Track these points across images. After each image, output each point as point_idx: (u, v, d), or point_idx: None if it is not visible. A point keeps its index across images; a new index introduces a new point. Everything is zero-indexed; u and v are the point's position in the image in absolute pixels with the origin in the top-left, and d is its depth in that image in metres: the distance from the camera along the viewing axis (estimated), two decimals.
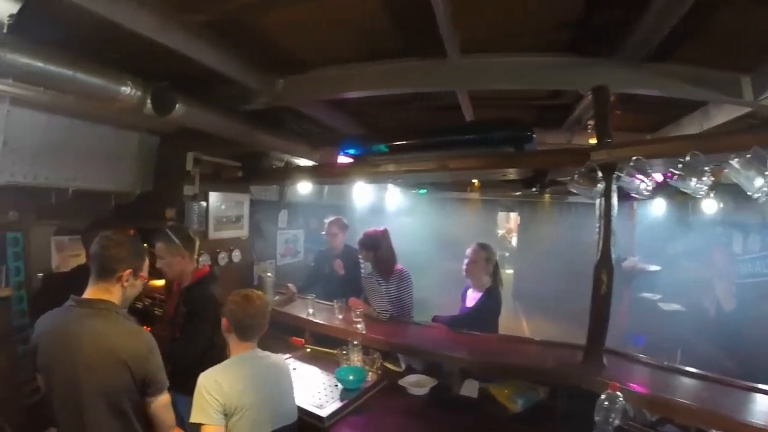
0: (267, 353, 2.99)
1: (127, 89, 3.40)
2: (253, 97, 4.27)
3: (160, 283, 4.48)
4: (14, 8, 2.49)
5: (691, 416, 2.73)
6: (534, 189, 4.59)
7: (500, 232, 11.49)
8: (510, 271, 11.50)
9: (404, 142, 4.51)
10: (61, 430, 2.43)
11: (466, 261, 4.62)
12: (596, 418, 2.71)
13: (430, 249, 9.22)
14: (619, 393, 2.71)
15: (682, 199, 7.48)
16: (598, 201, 3.25)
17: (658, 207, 7.76)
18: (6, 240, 4.16)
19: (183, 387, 3.46)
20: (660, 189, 3.48)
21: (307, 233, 7.36)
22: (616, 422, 2.68)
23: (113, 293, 2.55)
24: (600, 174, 3.13)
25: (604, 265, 3.25)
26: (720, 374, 3.16)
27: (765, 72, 3.44)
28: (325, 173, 5.17)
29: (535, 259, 10.89)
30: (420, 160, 4.27)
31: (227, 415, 2.62)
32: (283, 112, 4.97)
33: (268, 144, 5.17)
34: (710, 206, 6.56)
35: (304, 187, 5.88)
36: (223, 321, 2.90)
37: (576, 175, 3.18)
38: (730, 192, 6.76)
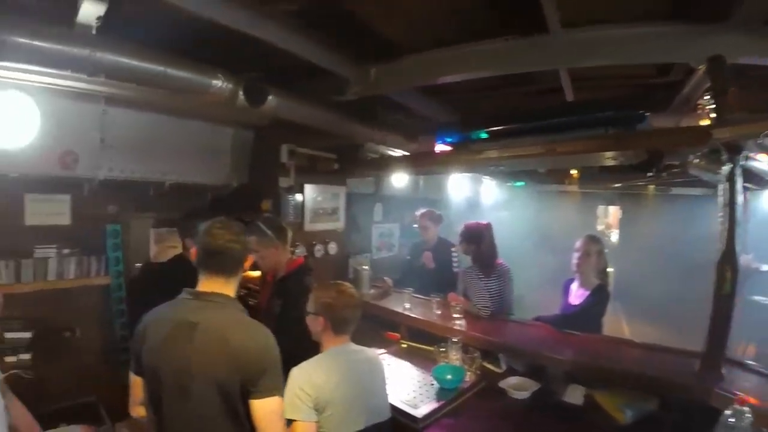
0: (361, 347, 2.89)
1: (218, 82, 3.39)
2: (346, 88, 4.16)
3: (255, 273, 4.46)
4: (101, 10, 2.56)
5: None
6: (649, 174, 4.28)
7: (600, 227, 10.94)
8: (610, 269, 10.88)
9: (506, 127, 4.27)
10: (165, 425, 2.29)
11: (577, 255, 4.40)
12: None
13: (526, 244, 8.65)
14: (746, 408, 2.36)
15: None
16: (720, 187, 2.96)
17: None
18: (106, 231, 4.37)
19: None
20: None
21: (402, 227, 7.25)
22: None
23: (230, 287, 2.43)
24: (724, 155, 2.85)
25: (728, 260, 2.93)
26: None
27: None
28: (424, 162, 4.99)
29: (637, 257, 9.97)
30: (524, 145, 4.02)
31: (319, 411, 2.53)
32: (376, 102, 4.82)
33: (363, 135, 5.04)
34: None
35: (399, 180, 5.81)
36: (318, 319, 2.79)
37: (695, 157, 2.99)
38: None
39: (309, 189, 5.00)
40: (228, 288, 2.41)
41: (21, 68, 2.98)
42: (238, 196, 4.83)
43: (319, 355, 2.76)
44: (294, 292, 3.45)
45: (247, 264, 2.46)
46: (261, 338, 2.31)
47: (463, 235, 4.87)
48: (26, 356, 3.88)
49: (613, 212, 11.55)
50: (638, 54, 3.37)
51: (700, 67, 3.28)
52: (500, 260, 4.80)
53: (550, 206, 10.15)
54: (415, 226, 5.95)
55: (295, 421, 2.47)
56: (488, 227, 4.85)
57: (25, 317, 3.96)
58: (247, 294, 4.77)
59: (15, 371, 3.65)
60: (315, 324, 2.82)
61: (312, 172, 5.01)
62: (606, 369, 3.52)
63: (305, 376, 2.55)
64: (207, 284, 2.38)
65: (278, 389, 2.30)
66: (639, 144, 3.74)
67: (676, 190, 9.90)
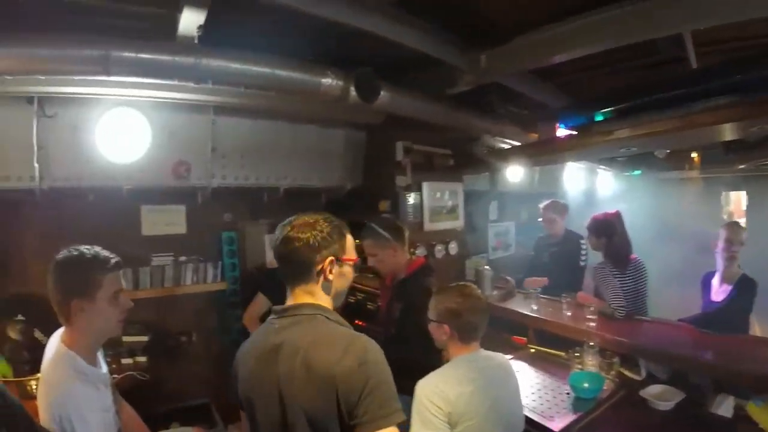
0: (491, 353, 2.64)
1: (328, 80, 3.28)
2: (457, 78, 3.91)
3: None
4: (201, 18, 2.53)
5: None
6: None
7: (723, 216, 10.10)
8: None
9: (633, 103, 3.89)
10: None
11: (722, 245, 4.07)
12: None
13: (647, 237, 8.28)
14: None
15: None
16: None
17: None
18: (222, 239, 4.49)
19: (401, 388, 3.35)
20: None
21: (517, 225, 6.92)
22: None
23: (317, 294, 1.94)
24: None
25: None
26: None
27: None
28: (547, 149, 4.61)
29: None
30: (659, 120, 3.63)
31: (452, 425, 2.31)
32: (488, 92, 4.55)
33: (478, 127, 4.78)
34: None
35: (514, 175, 5.47)
36: (442, 327, 2.56)
37: None
38: None
39: (427, 187, 4.77)
40: (314, 296, 1.94)
41: (131, 82, 3.06)
42: (353, 198, 4.74)
43: (448, 365, 2.54)
44: (415, 295, 3.24)
45: (327, 263, 1.91)
46: (352, 356, 1.75)
47: (591, 229, 4.49)
48: (142, 359, 4.05)
49: (737, 199, 10.64)
50: None
51: None
52: (634, 255, 4.38)
53: (669, 195, 9.47)
54: (540, 219, 5.58)
55: None
56: (618, 216, 4.47)
57: (143, 322, 4.14)
58: (365, 297, 4.68)
59: (131, 373, 3.83)
60: (439, 332, 2.59)
61: (428, 169, 4.81)
62: (761, 376, 2.96)
63: (435, 389, 2.34)
64: (291, 297, 1.97)
65: (388, 416, 1.74)
66: None
67: None
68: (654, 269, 6.20)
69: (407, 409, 2.50)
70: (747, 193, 10.13)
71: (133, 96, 3.20)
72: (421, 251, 4.59)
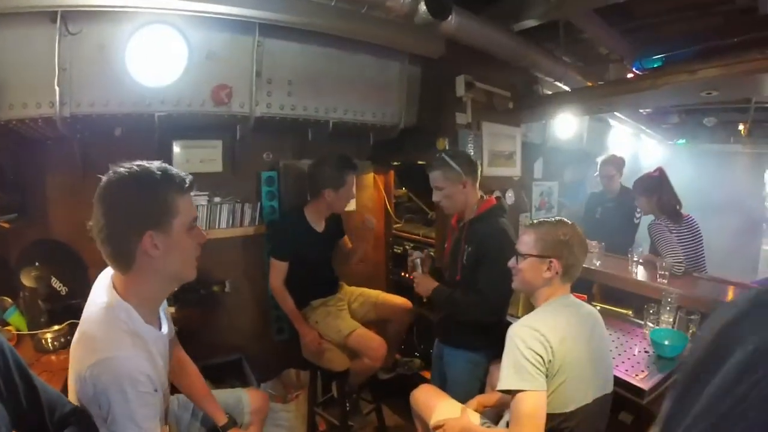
0: (578, 299, 2.38)
1: None
2: (526, 11, 3.76)
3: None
4: None
5: None
6: None
7: (766, 192, 9.79)
8: None
9: (721, 42, 3.73)
10: None
11: None
12: None
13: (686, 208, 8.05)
14: None
15: None
16: None
17: None
18: (261, 179, 4.14)
19: (463, 341, 3.12)
20: None
21: (560, 186, 6.57)
22: None
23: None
24: None
25: None
26: None
27: None
28: (621, 89, 4.21)
29: None
30: (752, 59, 3.22)
31: (549, 376, 2.01)
32: (556, 30, 4.35)
33: (544, 68, 4.55)
34: None
35: (565, 130, 5.36)
36: (549, 263, 2.25)
37: None
38: None
39: (486, 127, 4.41)
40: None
41: None
42: (404, 139, 4.41)
43: (542, 308, 2.26)
44: (488, 236, 2.97)
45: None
46: None
47: (638, 189, 4.45)
48: (170, 309, 3.56)
49: None
50: None
51: None
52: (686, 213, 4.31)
53: (713, 168, 9.26)
54: (596, 174, 5.53)
55: (522, 391, 1.96)
56: (662, 173, 4.41)
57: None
58: (415, 247, 4.46)
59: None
60: (540, 271, 2.28)
61: (488, 109, 4.46)
62: None
63: (534, 333, 2.02)
64: None
65: None
66: None
67: None
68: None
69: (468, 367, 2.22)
70: None
71: (168, 9, 2.82)
72: (497, 194, 4.28)
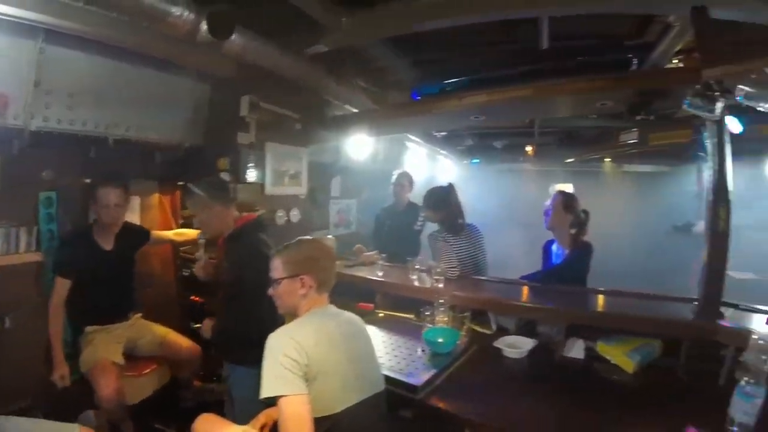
0: (339, 309, 2.54)
1: (178, 9, 2.99)
2: (318, 37, 3.92)
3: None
4: None
5: None
6: (639, 117, 4.05)
7: None
8: None
9: (489, 75, 4.09)
10: None
11: (546, 214, 4.28)
12: (745, 360, 2.22)
13: (479, 221, 8.79)
14: None
15: (756, 161, 7.41)
16: (706, 132, 3.06)
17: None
18: (39, 200, 3.79)
19: (239, 356, 3.09)
20: None
21: (359, 203, 6.88)
22: None
23: None
24: (716, 92, 2.85)
25: (721, 198, 3.01)
26: None
27: None
28: (400, 113, 4.60)
29: (593, 235, 10.23)
30: (513, 90, 3.75)
31: (309, 380, 2.11)
32: (346, 57, 4.60)
33: (333, 91, 4.74)
34: None
35: (358, 150, 5.49)
36: (301, 280, 2.40)
37: (691, 94, 2.91)
38: None
39: (271, 148, 4.51)
40: None
41: None
42: (190, 158, 4.38)
43: (300, 318, 2.39)
44: (242, 251, 3.12)
45: None
46: None
47: (426, 201, 4.67)
48: None
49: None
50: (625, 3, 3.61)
51: (675, 23, 3.79)
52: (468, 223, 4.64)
53: (504, 185, 10.40)
54: (392, 184, 5.79)
55: (283, 396, 2.05)
56: (451, 188, 4.68)
57: None
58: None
59: None
60: (295, 287, 2.42)
61: (274, 129, 4.56)
62: (608, 316, 3.43)
63: (287, 341, 2.14)
64: None
65: None
66: (633, 84, 3.66)
67: (628, 167, 10.30)
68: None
69: (251, 383, 2.29)
70: (573, 186, 11.20)
71: None
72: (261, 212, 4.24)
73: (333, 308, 2.51)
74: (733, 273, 7.64)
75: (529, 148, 9.29)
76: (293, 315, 2.48)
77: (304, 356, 2.10)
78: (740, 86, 2.66)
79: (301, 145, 4.89)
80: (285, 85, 4.19)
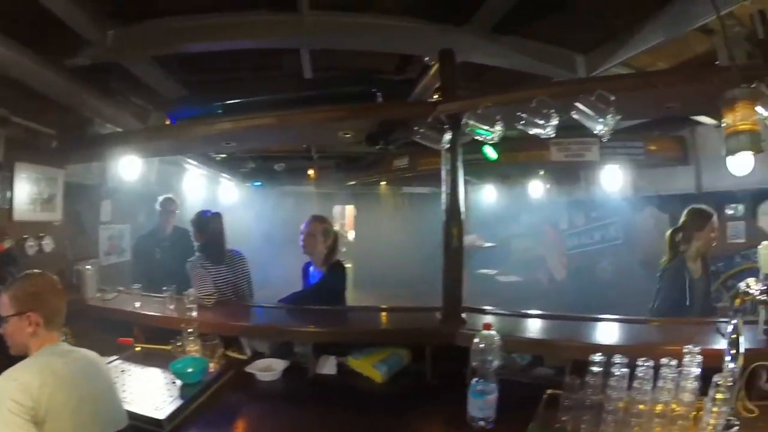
0: (73, 347, 2.46)
1: None
2: (80, 49, 3.78)
3: None
4: None
5: (562, 349, 3.04)
6: (378, 147, 4.18)
7: (336, 227, 11.61)
8: (349, 265, 11.51)
9: (242, 101, 4.23)
10: None
11: (302, 237, 4.47)
12: (473, 363, 2.58)
13: (260, 241, 9.29)
14: (494, 332, 2.59)
15: (512, 182, 8.50)
16: (443, 158, 3.45)
17: (490, 192, 9.90)
18: None
19: None
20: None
21: (134, 228, 6.52)
22: (495, 363, 2.54)
23: None
24: (446, 125, 3.29)
25: (454, 218, 3.43)
26: None
27: (596, 54, 4.25)
28: (156, 136, 4.59)
29: (373, 251, 11.25)
30: (258, 117, 3.93)
31: (38, 424, 2.03)
32: (111, 72, 4.46)
33: (94, 108, 4.57)
34: (537, 188, 7.66)
35: (130, 172, 5.07)
36: (28, 318, 2.27)
37: (422, 127, 3.31)
38: (554, 174, 7.84)
39: (21, 168, 4.12)
40: None
41: None
42: None
43: (28, 359, 2.26)
44: None
45: None
46: None
47: (194, 223, 4.75)
48: None
49: (349, 212, 12.54)
50: (381, 41, 3.97)
51: (433, 63, 4.13)
52: (230, 248, 4.76)
53: (287, 207, 10.82)
54: (158, 207, 5.77)
55: None
56: (219, 216, 4.76)
57: None
58: None
59: None
60: (22, 326, 2.29)
61: (28, 148, 4.21)
62: (354, 331, 3.75)
63: (14, 383, 2.04)
64: None
65: None
66: (370, 115, 3.93)
67: (406, 189, 11.15)
68: (265, 276, 6.63)
69: None
70: (356, 208, 12.04)
71: None
72: (9, 243, 3.94)
73: (65, 345, 2.41)
74: (500, 277, 9.00)
75: (311, 172, 9.63)
76: (24, 353, 2.35)
77: (29, 398, 2.01)
78: (464, 119, 3.03)
79: (58, 165, 4.59)
80: (40, 98, 3.96)
